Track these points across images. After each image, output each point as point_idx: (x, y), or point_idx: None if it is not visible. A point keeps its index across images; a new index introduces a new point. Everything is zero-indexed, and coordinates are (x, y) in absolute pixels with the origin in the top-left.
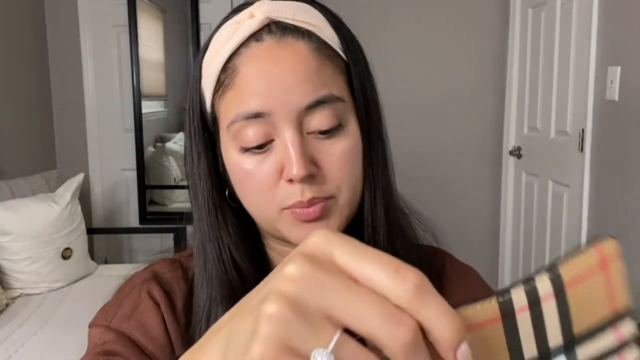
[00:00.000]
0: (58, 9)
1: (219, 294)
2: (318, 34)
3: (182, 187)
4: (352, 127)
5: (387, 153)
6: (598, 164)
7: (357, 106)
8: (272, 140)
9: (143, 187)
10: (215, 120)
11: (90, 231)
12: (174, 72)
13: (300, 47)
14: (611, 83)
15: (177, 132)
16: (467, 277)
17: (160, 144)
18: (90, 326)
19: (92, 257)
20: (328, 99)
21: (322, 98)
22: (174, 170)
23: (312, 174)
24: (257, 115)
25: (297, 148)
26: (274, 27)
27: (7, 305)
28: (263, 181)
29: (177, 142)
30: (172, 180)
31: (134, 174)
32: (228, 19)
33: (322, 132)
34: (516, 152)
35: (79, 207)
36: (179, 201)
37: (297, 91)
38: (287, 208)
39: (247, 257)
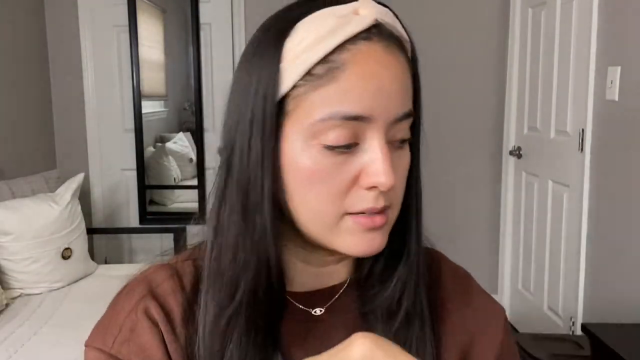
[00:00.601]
0: (58, 10)
1: (247, 297)
2: (409, 50)
3: (182, 187)
4: (408, 145)
5: (420, 172)
6: (598, 164)
7: (414, 124)
8: (356, 144)
9: (143, 187)
10: (283, 108)
11: (90, 231)
12: (174, 72)
13: (401, 59)
14: (611, 83)
15: (177, 132)
16: (462, 278)
17: (160, 144)
18: (86, 345)
19: (92, 257)
20: (411, 113)
21: (409, 111)
22: (174, 170)
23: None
24: (357, 118)
25: (388, 157)
26: (383, 30)
27: (7, 305)
28: (337, 184)
29: (177, 142)
30: (172, 180)
31: (134, 174)
32: (318, 7)
33: (397, 144)
34: (516, 152)
35: (79, 207)
36: (179, 201)
37: (397, 100)
38: (352, 213)
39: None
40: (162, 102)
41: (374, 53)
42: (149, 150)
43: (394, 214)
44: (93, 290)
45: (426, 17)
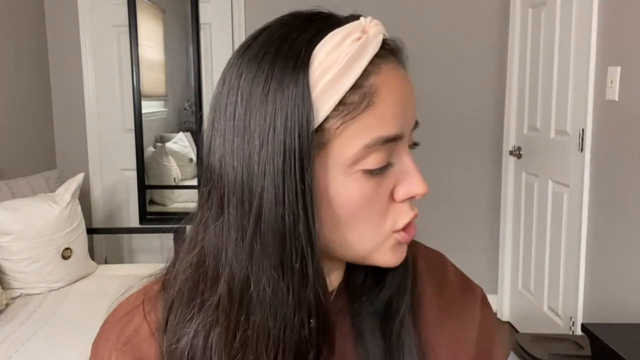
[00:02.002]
0: (58, 9)
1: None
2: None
3: (182, 187)
4: None
5: None
6: (598, 164)
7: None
8: (390, 163)
9: (143, 187)
10: (314, 139)
11: (90, 231)
12: (174, 72)
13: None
14: (611, 83)
15: (177, 132)
16: (436, 263)
17: (160, 144)
18: None
19: (92, 257)
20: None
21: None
22: (174, 170)
23: None
24: (395, 139)
25: (417, 165)
26: (388, 45)
27: (7, 305)
28: (379, 205)
29: (177, 142)
30: (172, 180)
31: (134, 174)
32: (322, 28)
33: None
34: (516, 152)
35: (79, 207)
36: (179, 201)
37: (414, 110)
38: (398, 230)
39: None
40: (162, 102)
41: (394, 70)
42: (149, 150)
43: None
44: (93, 290)
45: (426, 17)
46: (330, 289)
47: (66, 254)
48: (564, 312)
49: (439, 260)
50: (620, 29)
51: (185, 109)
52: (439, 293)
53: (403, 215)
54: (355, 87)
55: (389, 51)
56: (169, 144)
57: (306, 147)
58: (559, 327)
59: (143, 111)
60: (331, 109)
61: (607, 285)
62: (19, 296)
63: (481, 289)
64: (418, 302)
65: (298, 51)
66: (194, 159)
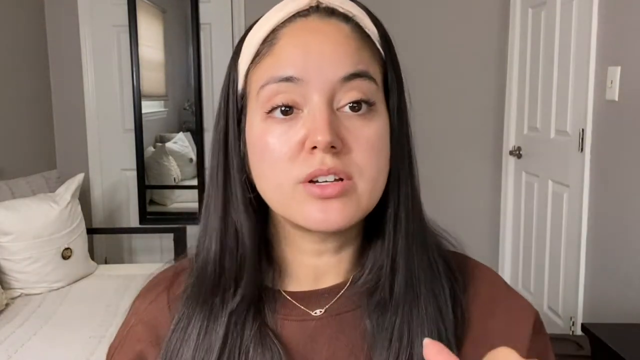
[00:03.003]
0: (58, 9)
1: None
2: (361, 24)
3: (182, 187)
4: (382, 117)
5: (413, 162)
6: (598, 164)
7: (389, 101)
8: (299, 110)
9: (143, 187)
10: (245, 95)
11: (90, 231)
12: (174, 72)
13: (344, 27)
14: (611, 83)
15: (177, 132)
16: (488, 281)
17: (160, 144)
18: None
19: (92, 257)
20: (365, 74)
21: (358, 72)
22: (174, 170)
23: (336, 146)
24: (290, 79)
25: (325, 114)
26: (322, 9)
27: (7, 305)
28: (284, 151)
29: (177, 142)
30: (172, 180)
31: (134, 174)
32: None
33: (353, 107)
34: (516, 152)
35: (79, 207)
36: (179, 201)
37: (335, 62)
38: (303, 182)
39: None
40: (162, 102)
41: (309, 24)
42: (149, 150)
43: (361, 186)
44: (93, 290)
45: (426, 17)
46: (338, 280)
47: (66, 254)
48: (564, 312)
49: (492, 280)
50: (620, 29)
51: (185, 109)
52: (489, 314)
53: (308, 166)
54: (264, 40)
55: (316, 12)
56: (169, 144)
57: (226, 96)
58: (559, 327)
59: (143, 111)
60: (249, 62)
61: (607, 285)
62: (19, 296)
63: (533, 312)
64: (460, 323)
65: (251, 24)
66: (194, 159)
